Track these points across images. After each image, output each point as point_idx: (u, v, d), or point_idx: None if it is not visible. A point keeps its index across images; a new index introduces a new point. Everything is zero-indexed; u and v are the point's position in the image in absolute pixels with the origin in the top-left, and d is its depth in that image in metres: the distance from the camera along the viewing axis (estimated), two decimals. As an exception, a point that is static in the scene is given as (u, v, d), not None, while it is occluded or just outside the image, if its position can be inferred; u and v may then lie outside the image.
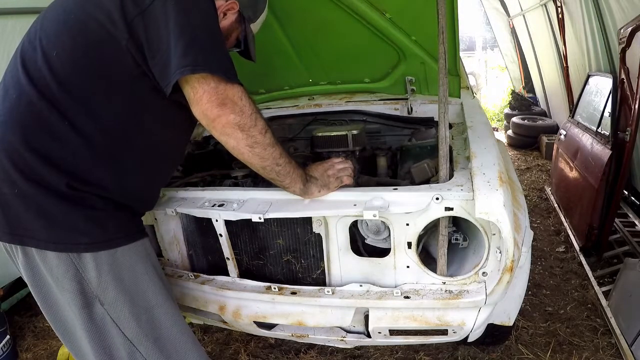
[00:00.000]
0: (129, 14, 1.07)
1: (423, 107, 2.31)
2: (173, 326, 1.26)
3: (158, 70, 1.09)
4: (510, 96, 7.17)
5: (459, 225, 1.49)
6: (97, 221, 1.13)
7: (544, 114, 6.32)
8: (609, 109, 2.87)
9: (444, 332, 1.46)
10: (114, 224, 1.16)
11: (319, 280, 1.55)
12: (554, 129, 5.58)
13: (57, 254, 1.10)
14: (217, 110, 1.10)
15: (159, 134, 1.26)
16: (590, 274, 2.73)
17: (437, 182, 1.41)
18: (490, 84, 10.39)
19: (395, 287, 1.44)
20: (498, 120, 7.79)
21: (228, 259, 1.58)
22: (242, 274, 1.61)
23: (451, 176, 1.41)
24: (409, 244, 1.39)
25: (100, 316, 1.16)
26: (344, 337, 1.61)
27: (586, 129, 3.20)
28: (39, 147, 1.08)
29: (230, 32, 1.35)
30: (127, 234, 1.20)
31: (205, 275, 1.64)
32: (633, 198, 3.38)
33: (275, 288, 1.52)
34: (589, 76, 3.55)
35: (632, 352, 1.98)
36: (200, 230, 1.66)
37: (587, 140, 3.08)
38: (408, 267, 1.43)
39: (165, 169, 1.39)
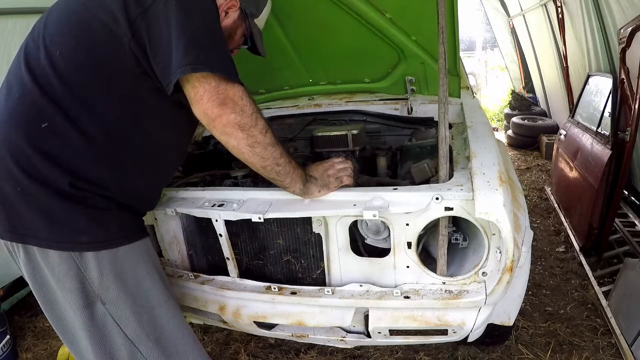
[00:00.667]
0: (132, 14, 1.08)
1: (423, 107, 2.31)
2: (174, 326, 1.26)
3: (160, 69, 1.10)
4: (510, 96, 7.17)
5: (459, 225, 1.49)
6: (99, 221, 1.13)
7: (544, 114, 6.32)
8: (609, 109, 2.87)
9: (444, 332, 1.46)
10: (115, 224, 1.17)
11: (319, 280, 1.55)
12: (554, 129, 5.58)
13: (59, 253, 1.10)
14: (218, 109, 1.10)
15: (160, 134, 1.26)
16: (590, 274, 2.73)
17: (437, 182, 1.41)
18: (490, 84, 10.39)
19: (395, 287, 1.44)
20: (498, 120, 7.79)
21: (228, 259, 1.58)
22: (242, 274, 1.61)
23: (451, 176, 1.41)
24: (409, 244, 1.39)
25: (102, 316, 1.16)
26: (344, 337, 1.61)
27: (586, 129, 3.20)
28: (41, 146, 1.08)
29: (234, 30, 1.35)
30: (129, 234, 1.20)
31: (205, 275, 1.64)
32: (633, 198, 3.38)
33: (275, 288, 1.52)
34: (589, 76, 3.55)
35: (632, 352, 1.98)
36: (200, 230, 1.66)
37: (587, 140, 3.07)
38: (408, 267, 1.43)
39: (166, 169, 1.40)
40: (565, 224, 3.43)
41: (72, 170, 1.10)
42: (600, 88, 3.21)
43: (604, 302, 2.40)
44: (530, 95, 7.02)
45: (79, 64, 1.11)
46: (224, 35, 1.20)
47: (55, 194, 1.08)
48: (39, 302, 1.21)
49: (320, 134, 1.95)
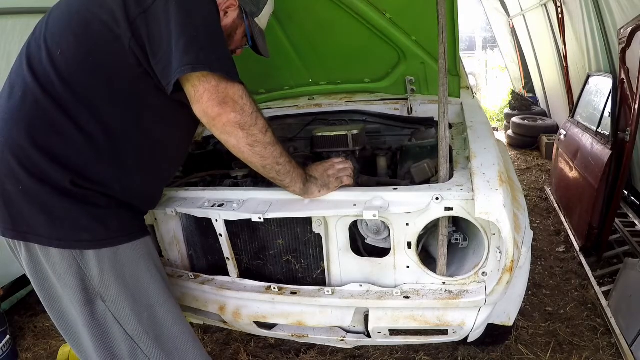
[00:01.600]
0: (132, 14, 1.08)
1: (423, 107, 2.31)
2: (174, 324, 1.26)
3: (160, 69, 1.10)
4: (510, 96, 7.17)
5: (459, 225, 1.49)
6: (100, 219, 1.14)
7: (544, 114, 6.32)
8: (609, 109, 2.87)
9: (444, 332, 1.46)
10: (116, 222, 1.17)
11: (319, 280, 1.55)
12: (554, 129, 5.58)
13: (60, 251, 1.11)
14: (218, 108, 1.10)
15: (161, 133, 1.26)
16: (590, 274, 2.73)
17: (437, 182, 1.41)
18: (490, 84, 10.38)
19: (395, 287, 1.44)
20: (498, 120, 7.79)
21: (228, 259, 1.58)
22: (242, 274, 1.61)
23: (451, 176, 1.41)
24: (409, 244, 1.39)
25: (102, 313, 1.17)
26: (344, 337, 1.61)
27: (586, 129, 3.20)
28: (43, 144, 1.09)
29: (234, 29, 1.35)
30: (129, 232, 1.20)
31: (205, 275, 1.64)
32: (633, 198, 3.38)
33: (275, 288, 1.52)
34: (589, 76, 3.55)
35: (632, 352, 1.98)
36: (200, 230, 1.66)
37: (587, 140, 3.07)
38: (408, 267, 1.43)
39: (168, 168, 1.40)
40: (565, 224, 3.43)
41: (73, 169, 1.10)
42: (600, 88, 3.21)
43: (604, 302, 2.40)
44: (530, 95, 7.01)
45: (80, 63, 1.11)
46: (224, 35, 1.20)
47: (56, 192, 1.08)
48: (40, 299, 1.22)
49: (320, 134, 1.95)
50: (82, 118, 1.11)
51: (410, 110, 2.32)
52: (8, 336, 2.35)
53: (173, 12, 1.07)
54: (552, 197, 4.02)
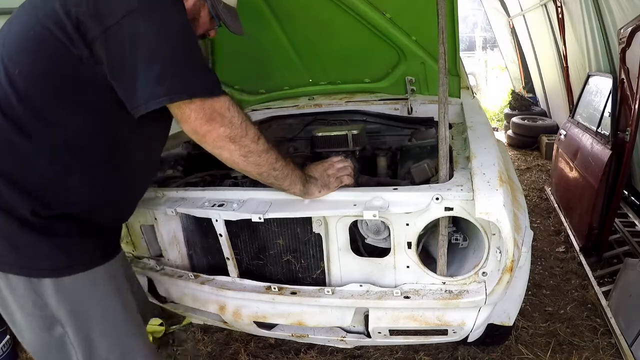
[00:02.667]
0: (90, 34, 1.02)
1: (423, 107, 2.32)
2: (135, 351, 1.26)
3: (123, 91, 1.06)
4: (510, 96, 7.17)
5: (459, 225, 1.49)
6: (60, 247, 1.12)
7: (544, 114, 6.32)
8: (609, 109, 2.87)
9: (444, 332, 1.46)
10: (77, 250, 1.14)
11: (319, 280, 1.55)
12: (554, 129, 5.58)
13: (20, 278, 1.10)
14: (207, 126, 1.09)
15: (128, 144, 1.21)
16: (590, 274, 2.73)
17: (437, 182, 1.41)
18: (490, 84, 10.38)
19: (395, 287, 1.44)
20: (498, 120, 7.79)
21: (228, 259, 1.58)
22: (242, 274, 1.61)
23: (451, 176, 1.41)
24: (409, 244, 1.39)
25: (60, 339, 1.16)
26: (344, 337, 1.61)
27: (586, 129, 3.20)
28: (6, 172, 1.06)
29: (196, 12, 1.26)
30: (90, 260, 1.17)
31: (205, 275, 1.64)
32: (633, 198, 3.38)
33: (275, 288, 1.52)
34: (589, 76, 3.55)
35: (632, 352, 1.98)
36: (200, 230, 1.66)
37: (587, 140, 3.08)
38: (408, 267, 1.43)
39: (139, 179, 1.35)
40: (565, 224, 3.43)
41: (35, 195, 1.07)
42: (600, 88, 3.21)
43: (604, 302, 2.40)
44: (530, 95, 7.02)
45: (38, 80, 1.06)
46: (198, 48, 1.13)
47: (17, 222, 1.06)
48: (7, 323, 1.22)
49: (320, 134, 1.95)
50: (43, 138, 1.07)
51: (410, 110, 2.32)
52: (8, 336, 2.35)
53: (141, 35, 1.01)
54: (552, 197, 4.02)
